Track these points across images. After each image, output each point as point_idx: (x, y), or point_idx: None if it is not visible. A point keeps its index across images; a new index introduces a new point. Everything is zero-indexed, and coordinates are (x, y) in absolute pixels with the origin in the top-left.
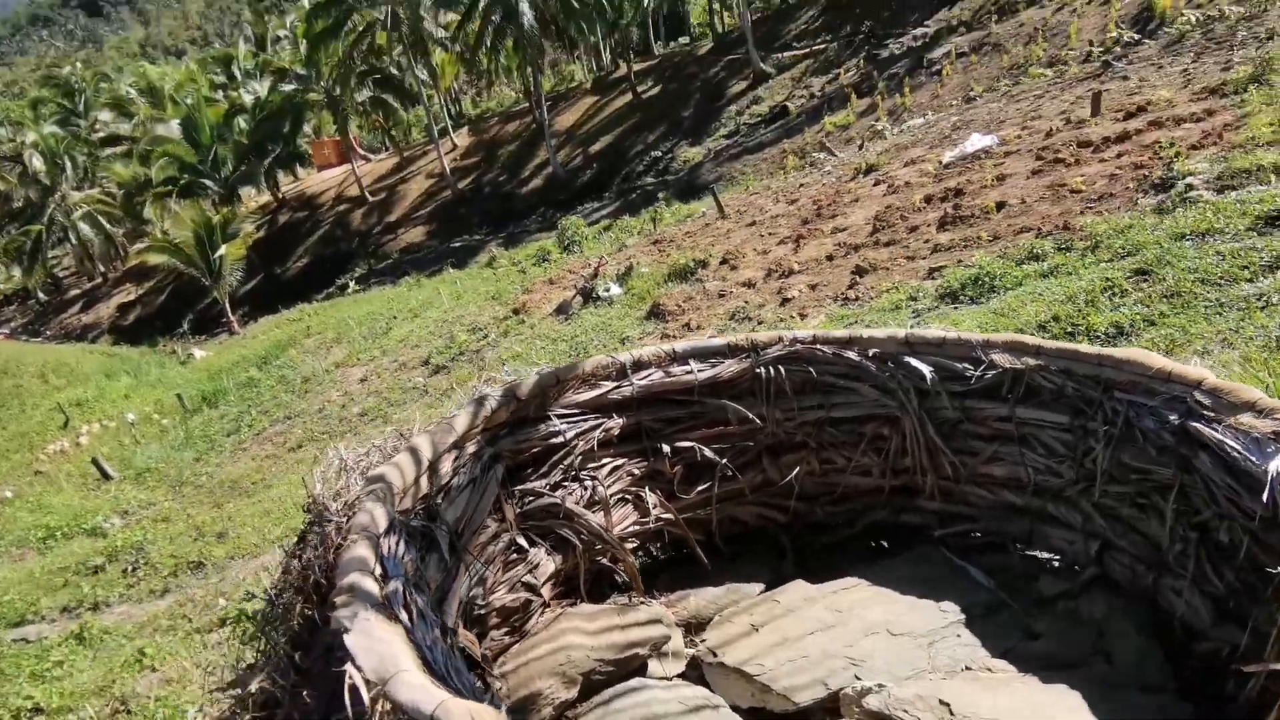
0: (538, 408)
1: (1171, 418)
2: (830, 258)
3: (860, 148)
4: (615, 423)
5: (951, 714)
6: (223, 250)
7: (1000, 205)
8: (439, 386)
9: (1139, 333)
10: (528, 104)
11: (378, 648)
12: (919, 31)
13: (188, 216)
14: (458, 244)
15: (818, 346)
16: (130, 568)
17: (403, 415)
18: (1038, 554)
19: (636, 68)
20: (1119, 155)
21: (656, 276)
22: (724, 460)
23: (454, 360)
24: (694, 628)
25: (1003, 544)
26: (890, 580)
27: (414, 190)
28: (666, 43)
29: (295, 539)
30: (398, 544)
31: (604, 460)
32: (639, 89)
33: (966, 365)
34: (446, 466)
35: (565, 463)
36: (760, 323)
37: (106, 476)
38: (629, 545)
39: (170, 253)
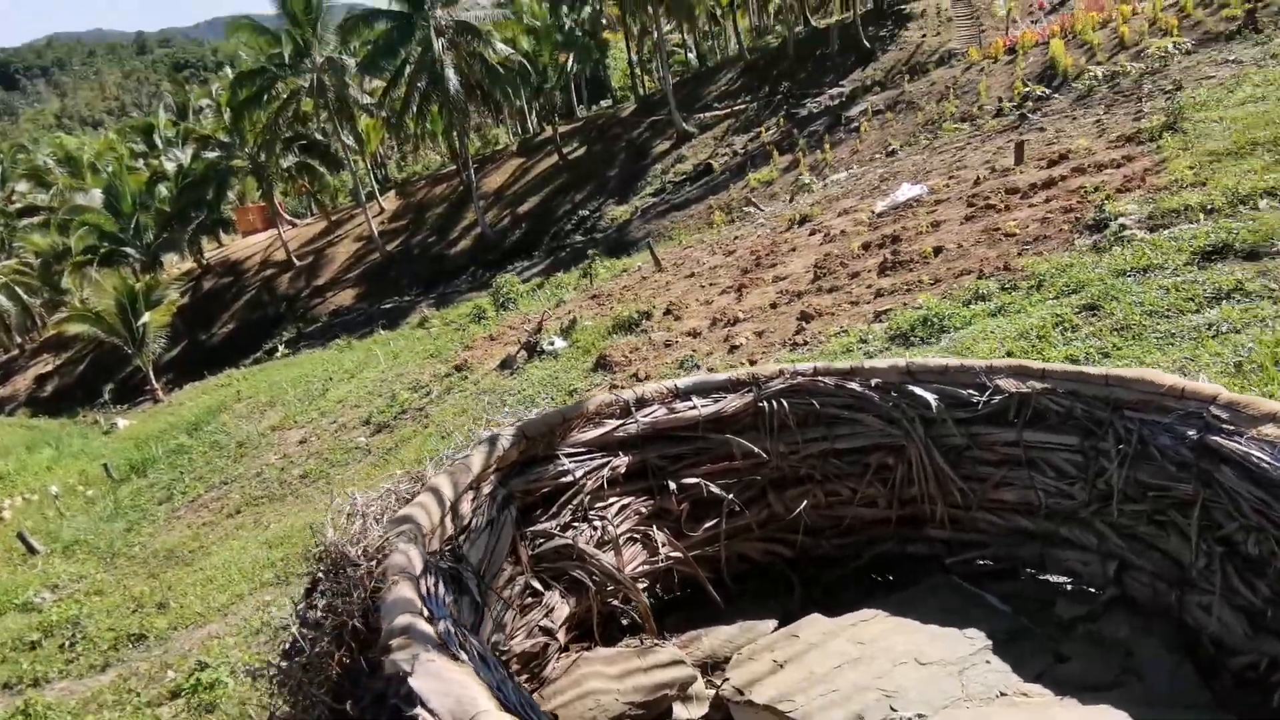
0: (546, 447)
1: (1190, 433)
2: (774, 305)
3: (791, 200)
4: (622, 461)
5: None
6: (146, 318)
7: (938, 250)
8: (383, 445)
9: (1094, 365)
10: (454, 166)
11: (452, 690)
12: (835, 91)
13: (109, 284)
14: (388, 305)
15: (820, 379)
16: (68, 643)
17: (346, 475)
18: (1050, 578)
19: (562, 129)
20: (1047, 200)
21: (601, 329)
22: (730, 495)
23: (397, 419)
24: (710, 668)
25: (1014, 570)
26: (907, 610)
27: (342, 253)
28: (589, 106)
29: (304, 590)
30: (435, 585)
31: (611, 499)
32: (565, 150)
33: (971, 391)
34: (466, 507)
35: (574, 502)
36: (710, 370)
37: (32, 551)
38: (640, 585)
39: (91, 322)
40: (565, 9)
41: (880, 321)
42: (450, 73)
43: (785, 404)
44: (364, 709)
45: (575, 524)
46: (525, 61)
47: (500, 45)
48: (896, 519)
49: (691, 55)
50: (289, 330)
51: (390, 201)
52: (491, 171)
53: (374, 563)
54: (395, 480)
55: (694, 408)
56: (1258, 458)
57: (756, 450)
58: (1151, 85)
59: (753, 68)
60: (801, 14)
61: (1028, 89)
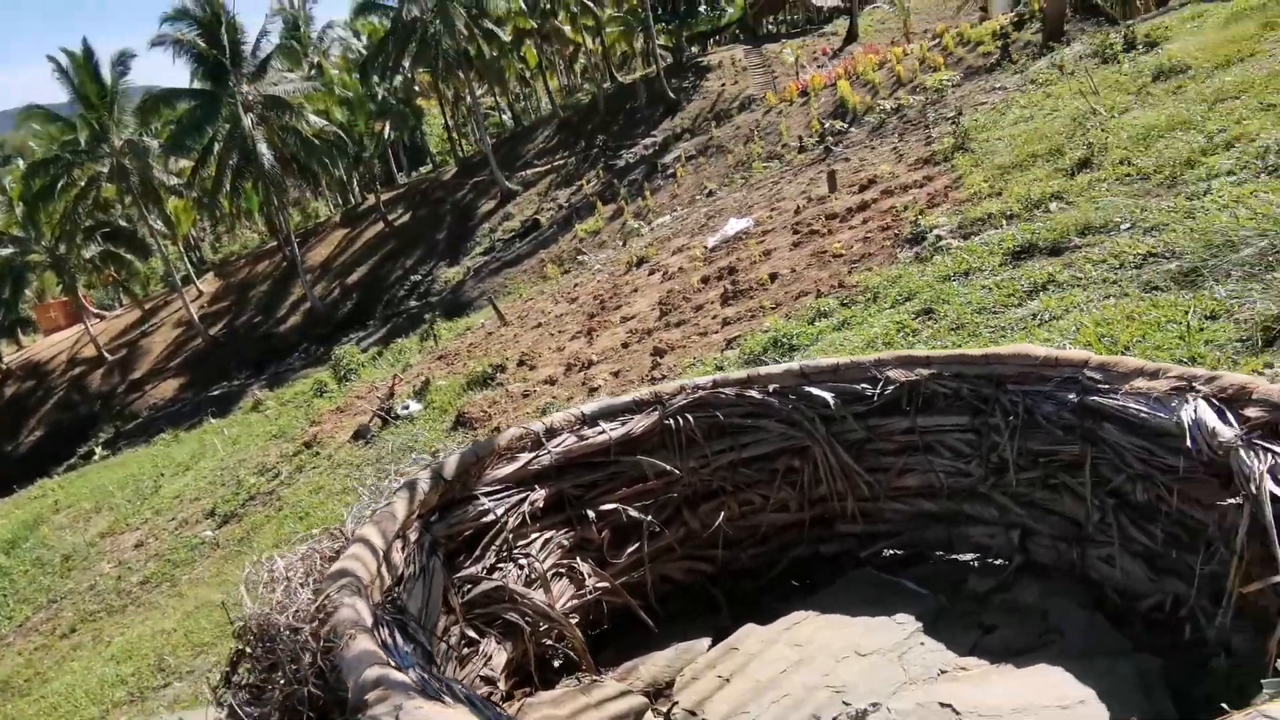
0: (463, 488)
1: (1070, 397)
2: (626, 345)
3: (624, 244)
4: (539, 494)
5: (957, 713)
6: None
7: (774, 276)
8: (233, 536)
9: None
10: (275, 243)
11: None
12: (648, 141)
13: None
14: (216, 392)
15: (720, 390)
16: None
17: (195, 574)
18: (958, 557)
19: (385, 196)
20: (865, 221)
21: (455, 387)
22: (649, 517)
23: (245, 506)
24: (654, 696)
25: (922, 555)
26: (834, 607)
27: (159, 342)
28: (410, 172)
29: (223, 675)
30: (392, 636)
31: (533, 535)
32: (390, 217)
33: (864, 385)
34: (397, 556)
35: (498, 542)
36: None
37: None
38: (571, 620)
39: None
40: (376, 79)
41: (732, 348)
42: (263, 148)
43: (690, 419)
44: None
45: (501, 565)
46: (340, 132)
47: (313, 118)
48: (809, 520)
49: (506, 116)
50: (105, 430)
51: (209, 284)
52: (316, 244)
53: (316, 623)
54: (311, 540)
55: (603, 432)
56: (1135, 409)
57: (668, 468)
58: (935, 114)
59: (567, 124)
60: (607, 71)
61: (826, 125)
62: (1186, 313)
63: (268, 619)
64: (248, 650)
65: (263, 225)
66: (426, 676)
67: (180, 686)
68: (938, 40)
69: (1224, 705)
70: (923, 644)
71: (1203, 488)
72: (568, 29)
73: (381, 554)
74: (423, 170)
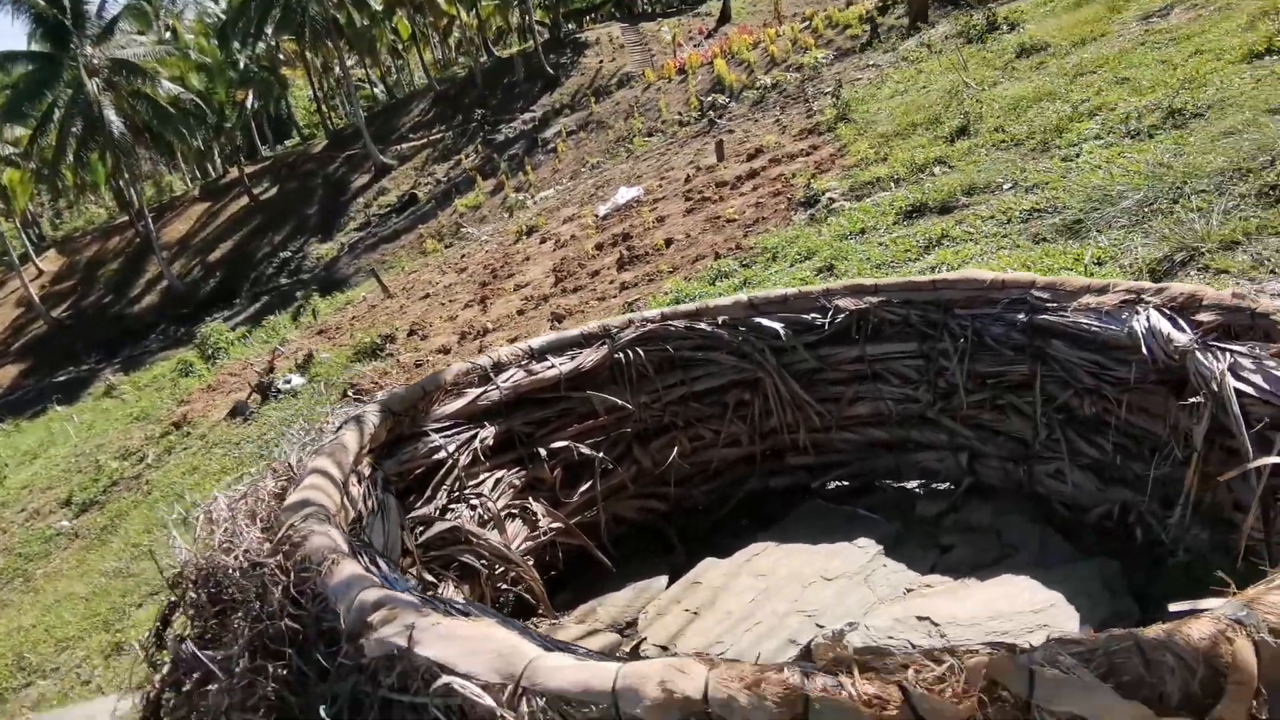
0: (412, 423)
1: (1020, 317)
2: (521, 312)
3: (510, 216)
4: (489, 431)
5: (936, 624)
6: None
7: (669, 242)
8: (94, 525)
9: None
10: (126, 217)
11: (479, 645)
12: (528, 116)
13: None
14: (63, 377)
15: (669, 323)
16: None
17: (52, 568)
18: (906, 484)
19: (249, 170)
20: (755, 188)
21: (341, 359)
22: (601, 454)
23: (106, 492)
24: (619, 635)
25: (872, 484)
26: (792, 537)
27: None
28: (275, 144)
29: (154, 629)
30: (374, 565)
31: (484, 475)
32: (255, 191)
33: (814, 315)
34: (355, 491)
35: (449, 482)
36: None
37: None
38: (529, 563)
39: None
40: (237, 45)
41: (633, 311)
42: (111, 115)
43: (641, 352)
44: (342, 711)
45: (453, 505)
46: (199, 100)
47: (168, 84)
48: (760, 454)
49: (379, 89)
50: None
51: (50, 262)
52: (173, 219)
53: (280, 556)
54: (254, 477)
55: (552, 366)
56: (1085, 324)
57: (619, 403)
58: (813, 89)
59: (444, 97)
60: (483, 45)
61: (706, 100)
62: (1077, 259)
63: (212, 561)
64: (190, 596)
65: (110, 199)
66: (427, 598)
67: (45, 685)
68: (808, 22)
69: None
70: (885, 566)
71: (1152, 397)
72: (442, 1)
73: (341, 485)
74: (289, 143)
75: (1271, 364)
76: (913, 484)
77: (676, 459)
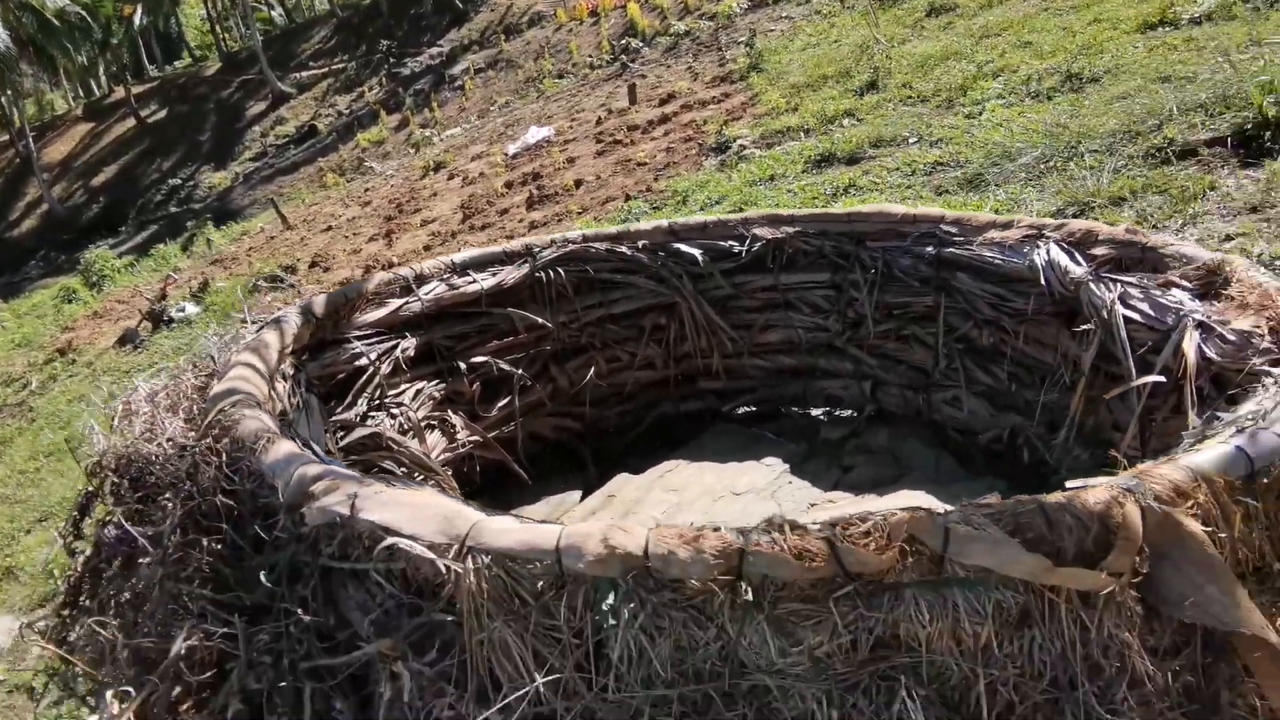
0: (334, 329)
1: (927, 250)
2: (429, 247)
3: (416, 152)
4: (410, 342)
5: None
6: None
7: (579, 183)
8: None
9: None
10: (6, 136)
11: (422, 511)
12: (435, 50)
13: None
14: None
15: (591, 245)
16: None
17: None
18: (811, 411)
19: (137, 91)
20: (666, 133)
21: (238, 289)
22: (519, 371)
23: None
24: None
25: (779, 410)
26: (703, 457)
27: None
28: (163, 65)
29: (70, 519)
30: (305, 448)
31: (404, 386)
32: (143, 113)
33: (732, 243)
34: (280, 387)
35: (370, 389)
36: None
37: None
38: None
39: None
40: None
41: None
42: None
43: (561, 272)
44: (280, 579)
45: (374, 413)
46: (84, 14)
47: None
48: (674, 378)
49: (277, 12)
50: None
51: None
52: (54, 140)
53: (210, 439)
54: (174, 370)
55: (473, 281)
56: (989, 257)
57: (539, 321)
58: (726, 38)
59: (347, 25)
60: None
61: (619, 44)
62: (977, 210)
63: (134, 449)
64: (112, 483)
65: None
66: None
67: None
68: None
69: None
70: (790, 483)
71: (1045, 328)
72: None
73: (268, 378)
74: (179, 64)
75: (1158, 292)
76: (817, 411)
77: (593, 379)
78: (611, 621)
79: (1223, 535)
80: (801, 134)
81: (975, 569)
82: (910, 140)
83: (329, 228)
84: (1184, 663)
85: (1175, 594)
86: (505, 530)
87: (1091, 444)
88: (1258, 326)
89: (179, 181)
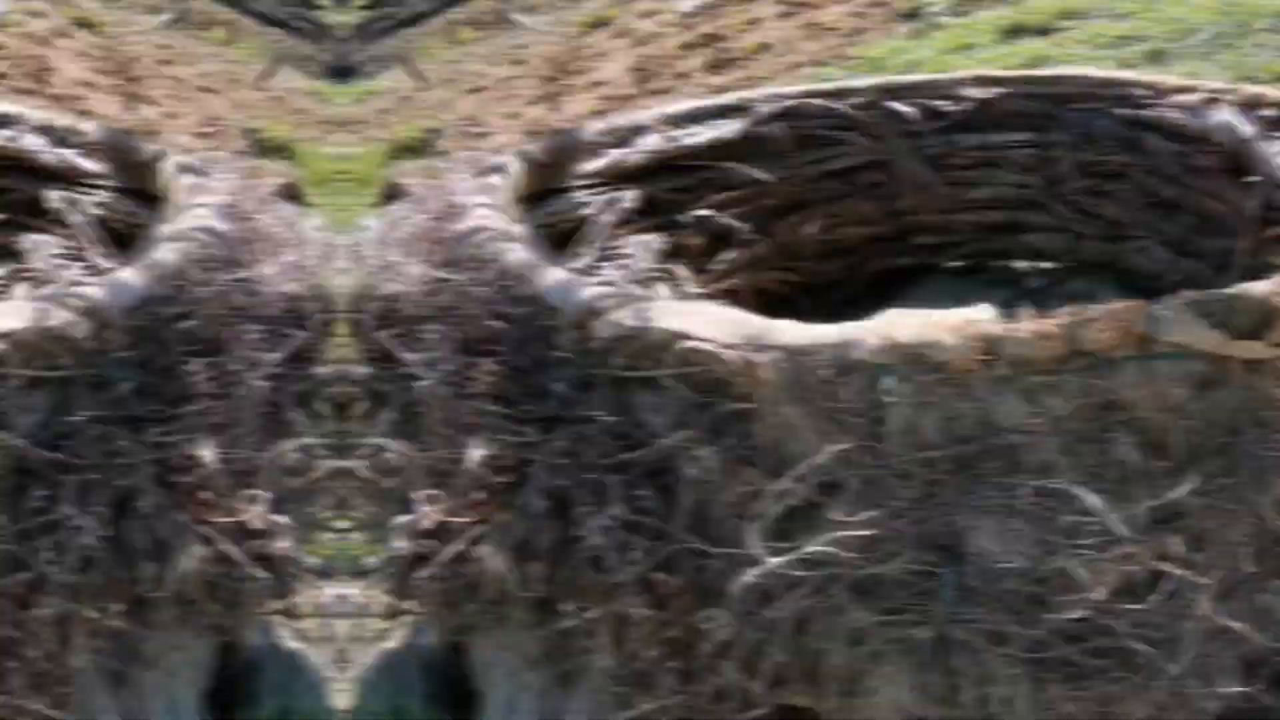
0: (555, 177)
1: (1123, 112)
2: (602, 112)
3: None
4: (633, 193)
5: None
6: None
7: (764, 47)
8: None
9: None
10: None
11: (716, 319)
12: None
13: None
14: None
15: (808, 100)
16: None
17: None
18: (1015, 264)
19: None
20: None
21: (375, 156)
22: (741, 224)
23: None
24: None
25: (984, 264)
26: (918, 306)
27: None
28: None
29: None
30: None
31: (627, 238)
32: None
33: (943, 102)
34: (516, 231)
35: (595, 240)
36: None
37: None
38: None
39: None
40: None
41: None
42: None
43: (779, 128)
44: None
45: (599, 265)
46: None
47: None
48: (889, 233)
49: None
50: None
51: None
52: None
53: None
54: (383, 217)
55: (693, 134)
56: (1175, 118)
57: (759, 176)
58: None
59: None
60: None
61: None
62: None
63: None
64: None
65: None
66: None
67: None
68: None
69: None
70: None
71: (1220, 182)
72: None
73: (506, 217)
74: None
75: None
76: (1022, 264)
77: (812, 234)
78: (890, 399)
79: None
80: (993, 2)
81: (1173, 345)
82: (1096, 14)
83: (477, 88)
84: None
85: None
86: (792, 329)
87: (1250, 277)
88: None
89: None
